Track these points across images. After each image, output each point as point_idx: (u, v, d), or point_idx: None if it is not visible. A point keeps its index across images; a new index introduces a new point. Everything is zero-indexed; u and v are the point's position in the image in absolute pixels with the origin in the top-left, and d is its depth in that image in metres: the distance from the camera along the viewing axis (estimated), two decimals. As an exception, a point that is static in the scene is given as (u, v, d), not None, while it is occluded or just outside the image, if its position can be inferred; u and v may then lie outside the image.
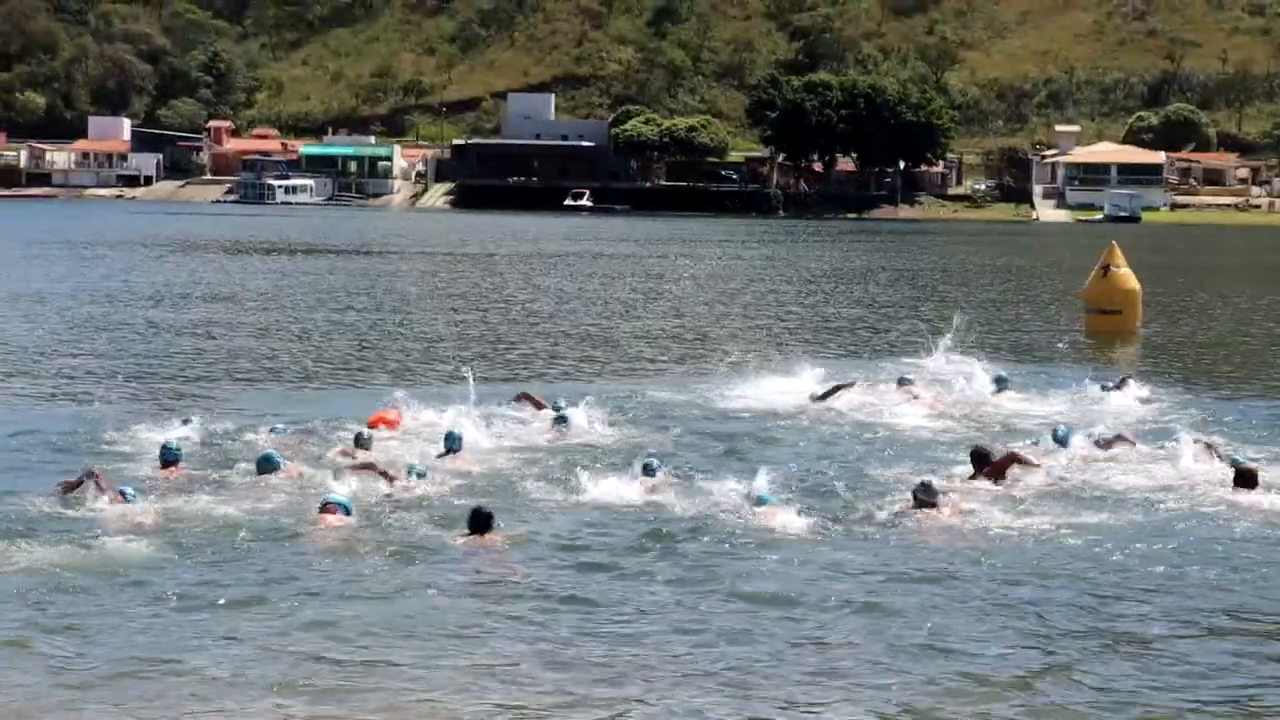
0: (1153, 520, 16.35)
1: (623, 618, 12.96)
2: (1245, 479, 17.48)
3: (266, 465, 17.77)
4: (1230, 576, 14.39)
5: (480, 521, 15.20)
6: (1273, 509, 16.78)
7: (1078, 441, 19.83)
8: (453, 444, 19.07)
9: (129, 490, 16.43)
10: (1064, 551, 15.10)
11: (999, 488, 17.51)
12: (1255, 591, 14.03)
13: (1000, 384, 24.95)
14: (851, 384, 24.41)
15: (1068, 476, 18.38)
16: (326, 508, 15.82)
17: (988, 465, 18.10)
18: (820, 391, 24.21)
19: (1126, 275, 37.96)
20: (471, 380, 22.77)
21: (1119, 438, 20.01)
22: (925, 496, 16.24)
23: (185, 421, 20.63)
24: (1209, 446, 19.21)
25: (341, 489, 16.42)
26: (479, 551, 14.91)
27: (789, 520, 15.89)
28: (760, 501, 16.48)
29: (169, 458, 18.12)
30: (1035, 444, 19.97)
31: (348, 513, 15.82)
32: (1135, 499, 17.31)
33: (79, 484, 16.70)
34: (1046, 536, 15.59)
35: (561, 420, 21.14)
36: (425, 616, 12.78)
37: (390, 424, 20.61)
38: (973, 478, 17.97)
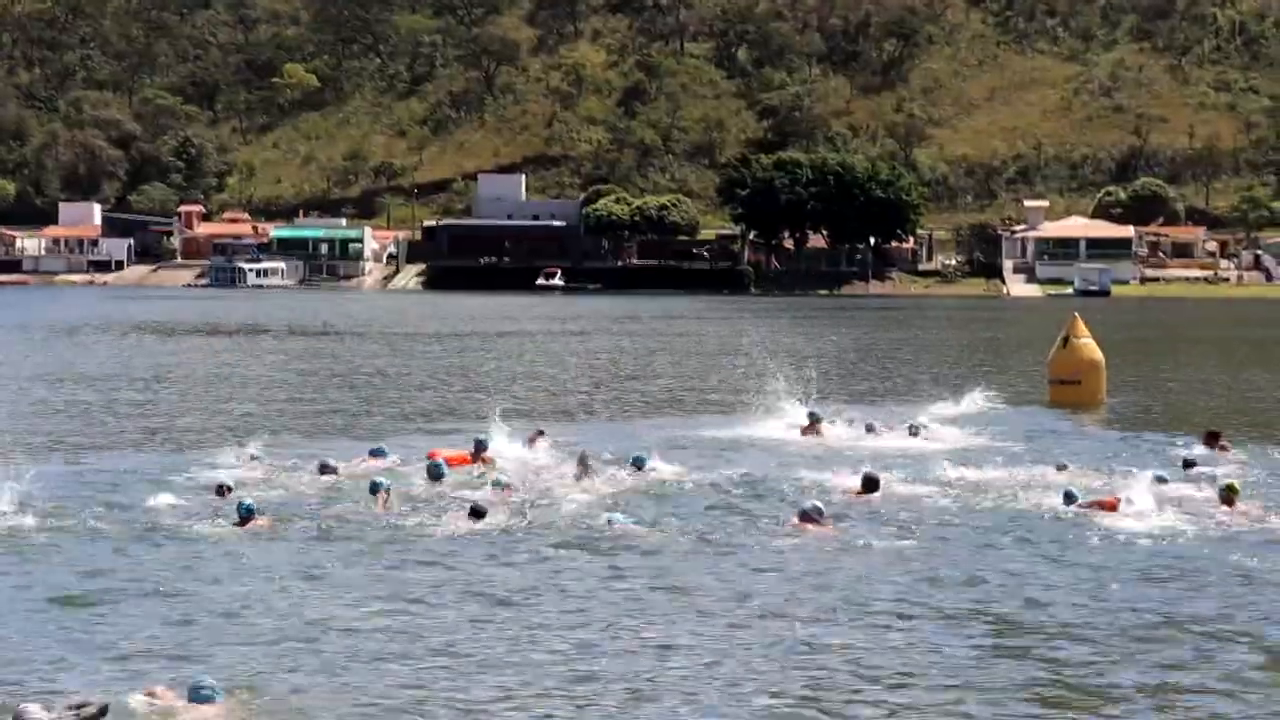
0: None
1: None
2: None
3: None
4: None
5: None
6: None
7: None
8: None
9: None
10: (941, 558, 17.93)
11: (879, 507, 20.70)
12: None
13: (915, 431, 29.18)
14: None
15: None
16: None
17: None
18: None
19: (1086, 346, 37.87)
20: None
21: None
22: (815, 515, 19.35)
23: (240, 444, 24.89)
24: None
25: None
26: None
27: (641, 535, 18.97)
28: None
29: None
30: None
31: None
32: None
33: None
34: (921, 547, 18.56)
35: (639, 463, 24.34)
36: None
37: (455, 461, 24.23)
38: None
